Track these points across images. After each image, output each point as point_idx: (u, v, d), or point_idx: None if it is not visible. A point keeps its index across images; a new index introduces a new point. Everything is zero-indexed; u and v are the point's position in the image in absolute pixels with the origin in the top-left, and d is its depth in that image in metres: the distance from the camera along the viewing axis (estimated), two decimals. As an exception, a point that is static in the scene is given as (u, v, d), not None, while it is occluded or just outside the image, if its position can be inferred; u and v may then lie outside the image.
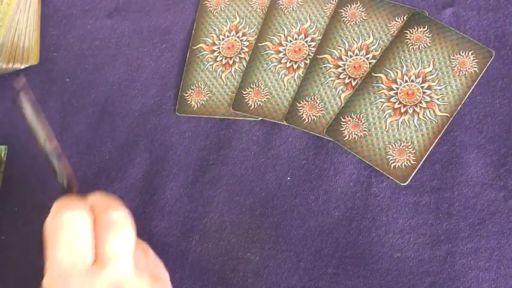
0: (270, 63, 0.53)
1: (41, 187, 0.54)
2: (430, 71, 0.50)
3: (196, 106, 0.54)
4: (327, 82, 0.52)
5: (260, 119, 0.52)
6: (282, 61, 0.53)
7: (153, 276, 0.36)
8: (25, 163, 0.55)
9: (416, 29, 0.52)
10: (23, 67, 0.58)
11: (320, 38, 0.53)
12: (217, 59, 0.55)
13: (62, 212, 0.34)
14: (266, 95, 0.52)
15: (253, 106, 0.52)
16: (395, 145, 0.48)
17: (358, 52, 0.52)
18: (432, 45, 0.51)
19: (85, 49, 0.60)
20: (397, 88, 0.50)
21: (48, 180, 0.54)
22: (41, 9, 0.60)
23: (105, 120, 0.56)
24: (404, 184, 0.48)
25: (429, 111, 0.49)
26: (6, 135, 0.57)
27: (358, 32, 0.53)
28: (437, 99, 0.49)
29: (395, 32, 0.52)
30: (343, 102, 0.51)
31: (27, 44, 0.57)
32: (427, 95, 0.49)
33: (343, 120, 0.50)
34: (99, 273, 0.34)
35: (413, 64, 0.51)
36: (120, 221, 0.36)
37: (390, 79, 0.51)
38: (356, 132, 0.50)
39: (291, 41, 0.54)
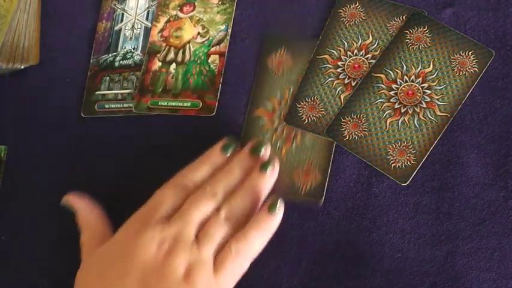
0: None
1: (41, 187, 0.54)
2: (430, 71, 0.50)
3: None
4: (327, 82, 0.52)
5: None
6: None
7: None
8: (25, 163, 0.55)
9: (416, 29, 0.52)
10: (23, 67, 0.58)
11: (319, 39, 0.53)
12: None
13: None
14: (266, 95, 0.52)
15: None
16: (396, 145, 0.48)
17: (357, 52, 0.52)
18: (432, 45, 0.51)
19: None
20: (397, 88, 0.50)
21: (48, 180, 0.54)
22: (41, 9, 0.59)
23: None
24: (405, 184, 0.48)
25: (429, 111, 0.49)
26: (6, 135, 0.57)
27: (357, 32, 0.53)
28: (438, 99, 0.49)
29: (395, 32, 0.52)
30: (343, 102, 0.51)
31: (27, 44, 0.57)
32: (427, 95, 0.49)
33: (343, 120, 0.50)
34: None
35: (413, 64, 0.51)
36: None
37: (390, 79, 0.51)
38: (356, 133, 0.50)
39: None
